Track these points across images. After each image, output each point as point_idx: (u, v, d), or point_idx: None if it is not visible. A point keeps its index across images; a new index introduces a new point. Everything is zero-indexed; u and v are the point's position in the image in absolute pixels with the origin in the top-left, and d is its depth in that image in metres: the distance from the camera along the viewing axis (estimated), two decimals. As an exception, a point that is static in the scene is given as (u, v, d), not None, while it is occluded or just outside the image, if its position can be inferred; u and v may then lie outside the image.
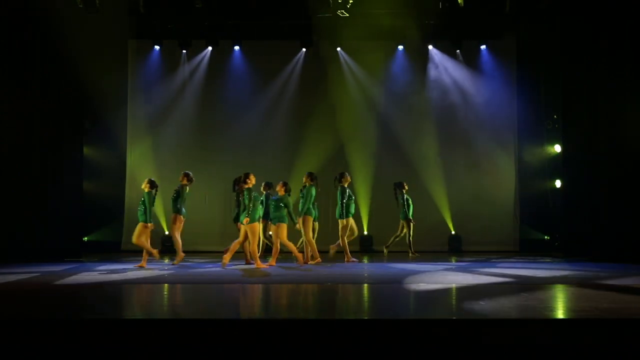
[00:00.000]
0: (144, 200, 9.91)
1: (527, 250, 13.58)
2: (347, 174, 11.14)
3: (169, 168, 14.10)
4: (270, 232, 10.65)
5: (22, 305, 5.95)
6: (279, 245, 10.17)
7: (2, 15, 11.11)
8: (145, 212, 9.85)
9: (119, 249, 13.31)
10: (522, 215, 14.05)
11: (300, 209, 10.35)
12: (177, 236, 10.35)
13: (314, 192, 10.41)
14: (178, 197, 10.37)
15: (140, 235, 9.93)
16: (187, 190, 10.45)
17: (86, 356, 4.53)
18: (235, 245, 9.84)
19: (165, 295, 6.83)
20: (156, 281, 7.98)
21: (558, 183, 12.98)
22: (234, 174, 13.22)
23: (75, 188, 11.94)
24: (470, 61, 14.36)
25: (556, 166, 13.00)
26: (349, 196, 10.90)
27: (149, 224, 9.94)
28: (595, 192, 11.21)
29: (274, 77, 14.40)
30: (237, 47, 14.40)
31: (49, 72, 11.59)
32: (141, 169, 14.26)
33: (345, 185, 10.92)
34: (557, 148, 13.04)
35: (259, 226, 9.83)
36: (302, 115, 14.12)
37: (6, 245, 10.81)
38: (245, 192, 9.63)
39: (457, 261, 11.14)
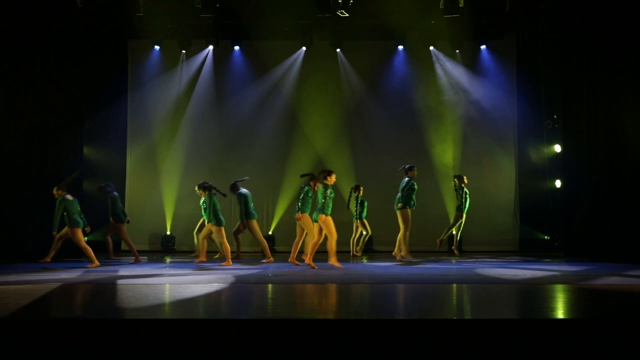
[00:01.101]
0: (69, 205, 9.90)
1: (527, 250, 13.56)
2: (415, 167, 11.11)
3: (168, 168, 14.13)
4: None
5: (22, 305, 5.94)
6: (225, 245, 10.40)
7: (2, 15, 11.10)
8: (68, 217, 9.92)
9: (118, 249, 13.28)
10: (522, 215, 14.04)
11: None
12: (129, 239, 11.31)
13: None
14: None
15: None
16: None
17: (86, 356, 4.53)
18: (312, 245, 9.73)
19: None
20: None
21: (558, 183, 12.99)
22: (233, 174, 13.23)
23: (75, 188, 11.92)
24: (470, 61, 14.35)
25: (556, 166, 13.00)
26: (412, 188, 10.88)
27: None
28: (595, 192, 11.20)
29: (274, 77, 14.39)
30: (237, 47, 14.39)
31: (49, 71, 11.57)
32: (141, 169, 14.28)
33: (412, 178, 10.97)
34: (557, 148, 13.05)
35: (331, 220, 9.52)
36: (303, 115, 14.12)
37: (6, 244, 10.80)
38: (321, 188, 9.48)
39: (457, 261, 11.15)
